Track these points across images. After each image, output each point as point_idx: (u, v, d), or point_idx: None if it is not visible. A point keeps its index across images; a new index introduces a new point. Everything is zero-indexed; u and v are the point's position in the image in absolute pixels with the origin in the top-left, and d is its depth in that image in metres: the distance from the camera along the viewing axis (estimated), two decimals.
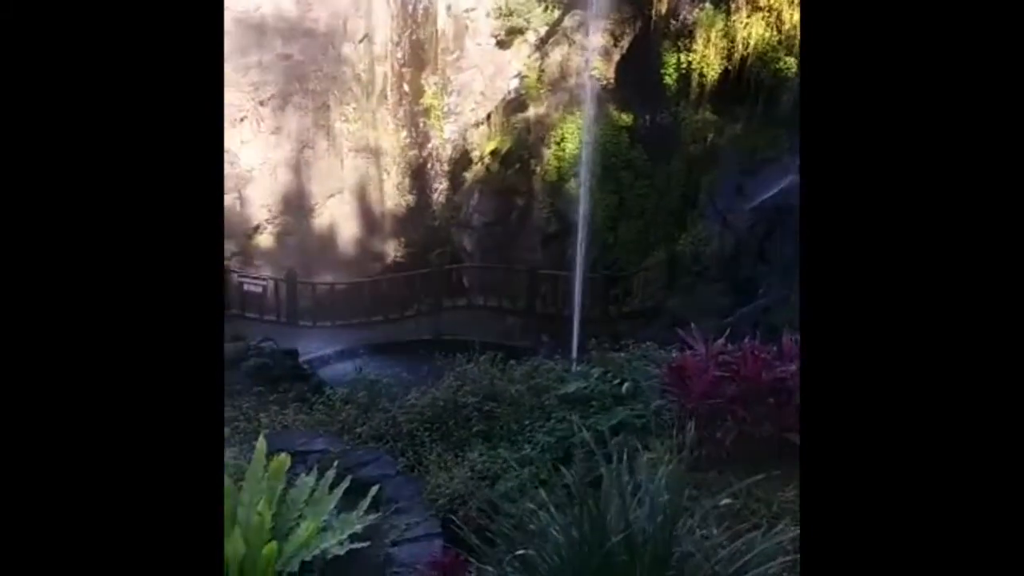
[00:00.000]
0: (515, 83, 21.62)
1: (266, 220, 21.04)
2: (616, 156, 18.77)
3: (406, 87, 22.68)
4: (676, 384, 6.56)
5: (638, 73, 18.74)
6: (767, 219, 14.61)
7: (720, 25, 16.92)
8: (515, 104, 21.17)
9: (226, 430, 7.65)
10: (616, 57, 19.27)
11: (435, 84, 22.49)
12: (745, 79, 16.64)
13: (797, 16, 15.82)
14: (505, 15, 21.66)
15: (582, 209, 17.18)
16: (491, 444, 7.33)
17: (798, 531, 2.89)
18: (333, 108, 21.57)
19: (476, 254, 21.06)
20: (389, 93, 22.61)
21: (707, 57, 17.14)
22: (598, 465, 4.20)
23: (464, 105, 22.51)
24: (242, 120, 20.34)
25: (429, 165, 23.08)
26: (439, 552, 5.19)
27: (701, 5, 17.41)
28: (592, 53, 18.85)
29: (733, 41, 16.80)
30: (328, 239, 22.04)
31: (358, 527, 5.52)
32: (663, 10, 18.27)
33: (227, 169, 20.24)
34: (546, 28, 21.30)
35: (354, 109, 21.92)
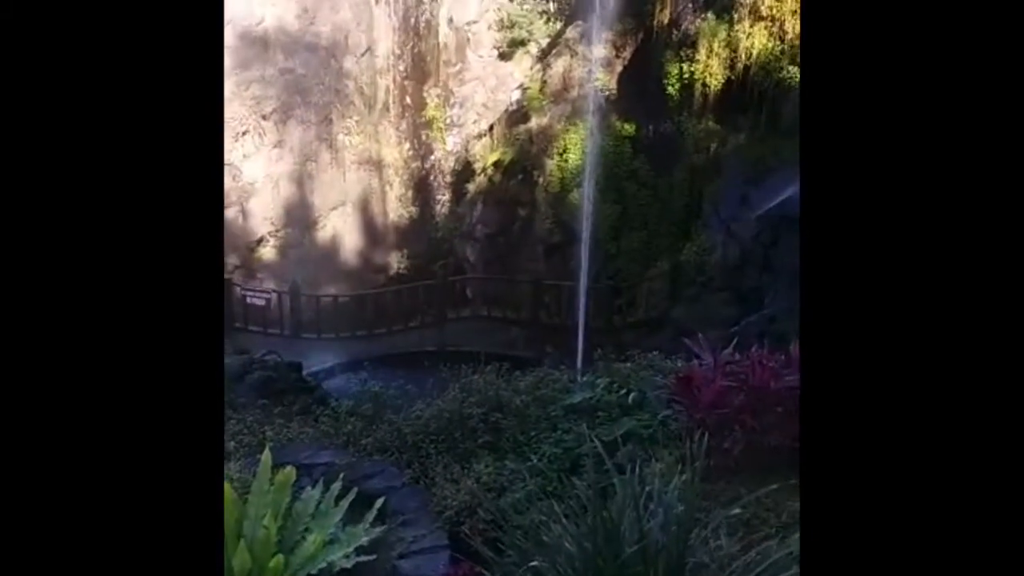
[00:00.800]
0: (517, 95, 21.69)
1: (269, 233, 21.07)
2: (619, 166, 18.79)
3: (408, 100, 22.76)
4: (683, 394, 6.51)
5: (640, 83, 18.78)
6: (772, 228, 14.58)
7: (722, 35, 16.96)
8: (517, 115, 21.23)
9: (231, 444, 7.61)
10: (618, 68, 19.33)
11: (437, 96, 22.57)
12: (748, 89, 16.65)
13: (799, 25, 15.85)
14: (507, 27, 21.75)
15: (585, 219, 17.18)
16: (497, 455, 7.28)
17: None
18: (335, 121, 21.63)
19: (479, 265, 21.06)
20: (391, 106, 22.68)
21: (710, 67, 17.17)
22: (607, 476, 4.16)
23: (466, 117, 22.58)
24: (244, 134, 20.40)
25: (432, 177, 23.12)
26: (448, 563, 5.14)
27: (703, 16, 17.46)
28: (594, 64, 18.90)
29: (736, 51, 16.83)
30: (331, 251, 22.06)
31: (364, 540, 5.47)
32: (665, 21, 18.34)
33: (230, 183, 20.30)
34: (548, 40, 21.39)
35: (356, 122, 21.99)
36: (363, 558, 5.34)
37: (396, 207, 22.97)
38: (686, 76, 17.62)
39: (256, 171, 20.67)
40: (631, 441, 6.63)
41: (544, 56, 21.24)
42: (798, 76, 15.86)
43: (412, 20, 22.17)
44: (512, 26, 21.57)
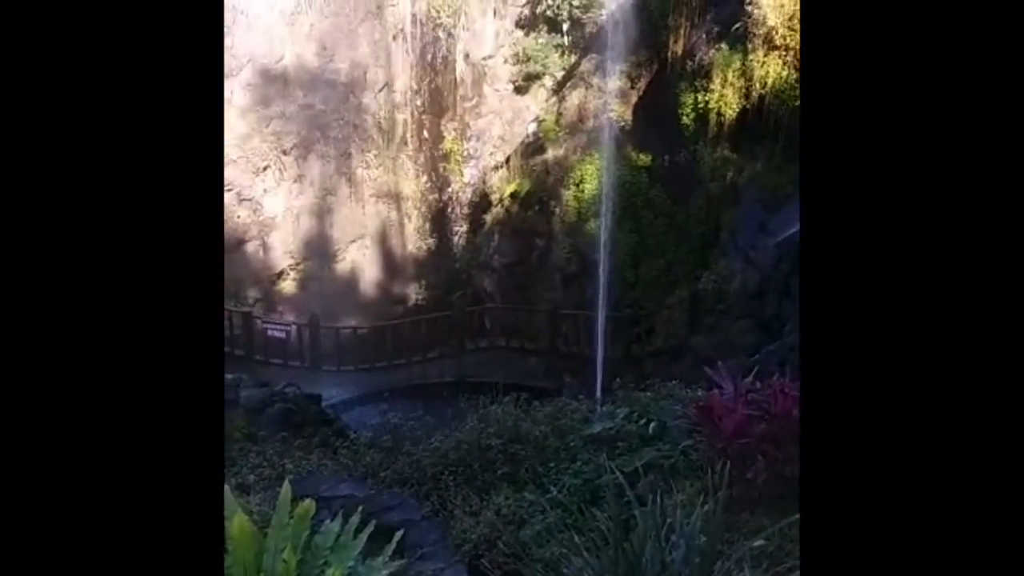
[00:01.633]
0: (533, 127, 21.91)
1: (289, 266, 21.29)
2: (636, 195, 18.85)
3: (426, 133, 23.06)
4: (704, 423, 6.44)
5: (656, 114, 18.91)
6: (791, 255, 14.49)
7: (737, 65, 17.08)
8: (534, 147, 21.42)
9: (251, 476, 7.62)
10: (633, 99, 19.49)
11: (454, 130, 22.85)
12: (764, 117, 16.70)
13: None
14: (522, 61, 22.06)
15: (603, 248, 17.19)
16: (516, 487, 7.22)
17: None
18: (355, 155, 21.95)
19: (497, 295, 21.10)
20: (409, 139, 22.99)
21: (725, 96, 17.27)
22: (628, 507, 4.11)
23: (483, 149, 22.82)
24: (265, 169, 20.74)
25: (449, 209, 23.32)
26: None
27: (717, 46, 17.61)
28: (610, 95, 19.07)
29: (750, 80, 16.92)
30: (351, 283, 22.22)
31: (384, 574, 5.41)
32: (679, 51, 18.51)
33: (250, 217, 20.60)
34: (563, 72, 21.65)
35: (375, 156, 22.30)
36: None
37: (414, 239, 23.16)
38: (701, 106, 17.73)
39: (277, 205, 20.97)
40: (652, 472, 6.55)
41: (559, 89, 21.48)
42: None
43: (429, 56, 22.56)
44: (528, 60, 21.87)
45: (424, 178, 23.19)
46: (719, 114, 17.48)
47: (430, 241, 23.21)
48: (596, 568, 3.69)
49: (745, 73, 17.02)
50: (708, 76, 17.54)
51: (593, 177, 19.26)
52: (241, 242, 20.42)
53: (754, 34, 16.77)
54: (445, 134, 22.90)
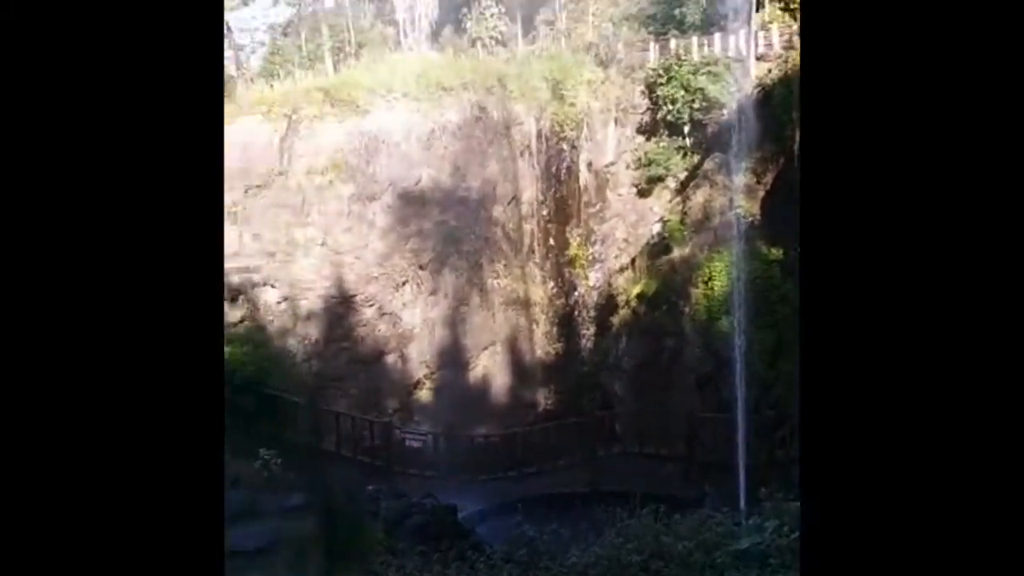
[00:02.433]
0: (658, 227, 22.04)
1: (425, 375, 22.00)
2: (769, 291, 18.26)
3: (552, 240, 23.72)
4: None
5: (785, 206, 18.52)
6: None
7: None
8: (659, 247, 21.45)
9: None
10: (761, 193, 19.26)
11: (579, 235, 23.37)
12: None
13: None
14: (644, 165, 22.50)
15: (737, 347, 16.61)
16: None
17: None
18: (485, 266, 22.82)
19: (628, 398, 20.70)
20: (536, 248, 23.69)
21: None
22: None
23: (608, 252, 23.11)
24: (404, 284, 21.91)
25: (576, 312, 23.53)
26: None
27: None
28: (736, 192, 18.96)
29: None
30: (483, 391, 22.60)
31: None
32: None
33: (390, 330, 21.64)
34: (686, 173, 21.83)
35: (504, 265, 23.08)
36: None
37: (543, 344, 23.41)
38: None
39: (414, 318, 21.97)
40: None
41: (683, 189, 21.62)
42: None
43: (554, 168, 23.49)
44: (649, 164, 22.28)
45: (551, 284, 23.66)
46: None
47: (558, 345, 23.38)
48: None
49: None
50: None
51: (722, 274, 18.92)
52: (381, 354, 21.41)
53: None
54: (570, 240, 23.45)
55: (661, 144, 22.41)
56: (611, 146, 23.29)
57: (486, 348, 22.76)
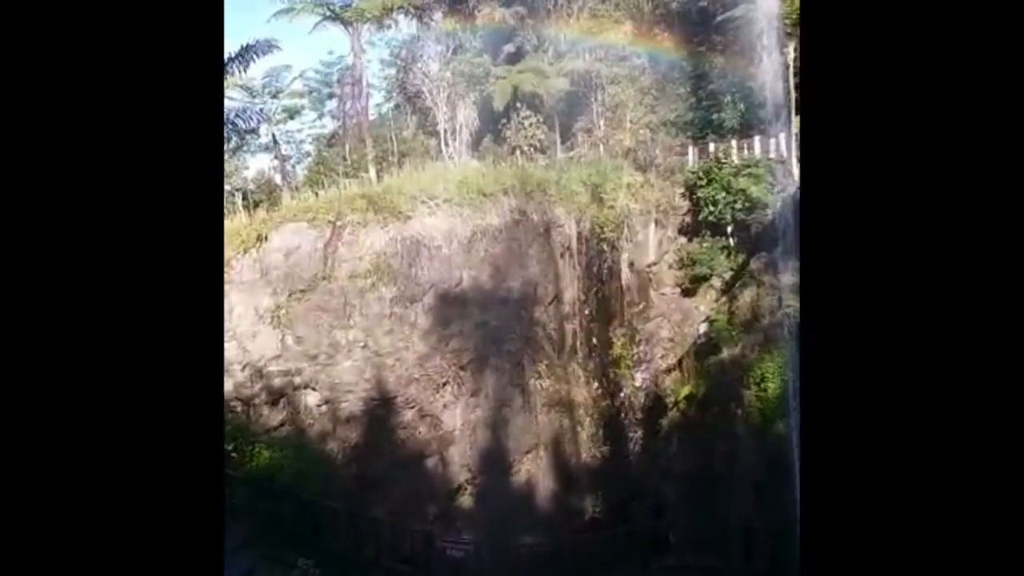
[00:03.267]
0: (704, 327, 21.66)
1: (466, 480, 21.33)
2: None
3: (595, 340, 23.42)
4: None
5: None
6: None
7: None
8: (707, 347, 21.00)
9: None
10: None
11: (623, 335, 23.07)
12: None
13: None
14: (687, 265, 22.42)
15: (796, 451, 15.83)
16: None
17: None
18: (527, 367, 22.51)
19: (681, 505, 19.71)
20: (579, 348, 23.39)
21: None
22: None
23: (653, 352, 22.70)
24: (444, 385, 21.64)
25: (623, 414, 22.89)
26: None
27: None
28: (784, 291, 18.64)
29: None
30: (526, 496, 21.77)
31: None
32: None
33: (430, 432, 21.20)
34: (731, 272, 21.65)
35: (547, 366, 22.74)
36: None
37: (588, 447, 22.69)
38: None
39: (454, 420, 21.54)
40: None
41: (729, 288, 21.38)
42: None
43: (595, 268, 23.52)
44: (693, 264, 22.20)
45: (595, 384, 23.18)
46: None
47: (604, 449, 22.64)
48: None
49: None
50: None
51: (775, 375, 18.32)
52: (422, 457, 20.90)
53: None
54: (614, 339, 23.14)
55: (704, 244, 22.41)
56: (652, 246, 23.34)
57: (529, 451, 22.10)
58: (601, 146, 28.22)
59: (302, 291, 20.77)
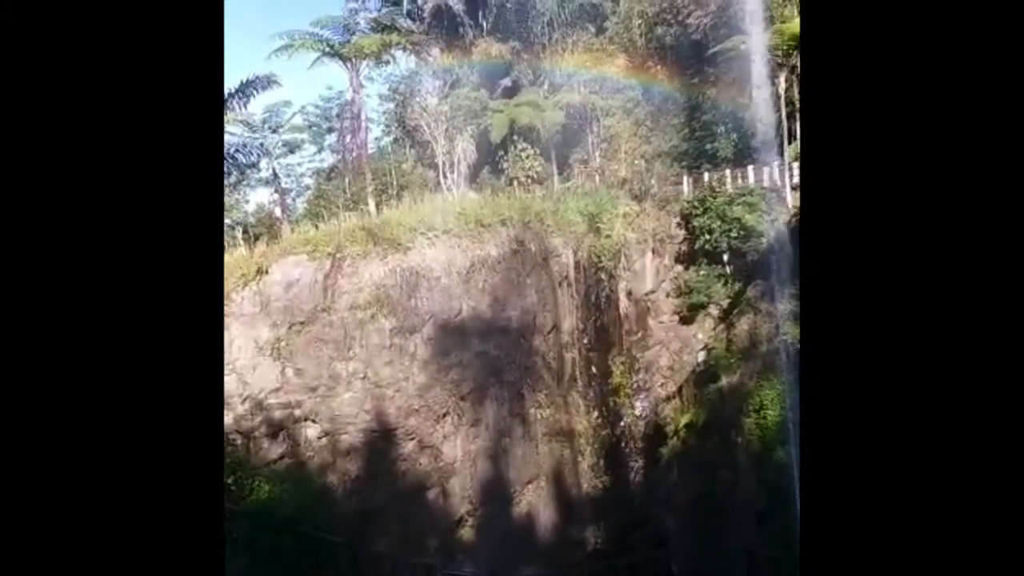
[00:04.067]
0: (703, 355, 21.73)
1: (467, 512, 21.21)
2: None
3: (594, 369, 23.46)
4: None
5: None
6: None
7: None
8: (706, 375, 21.05)
9: None
10: None
11: (622, 363, 23.12)
12: None
13: None
14: (685, 293, 22.56)
15: (797, 479, 15.80)
16: None
17: None
18: (527, 396, 22.51)
19: (682, 535, 19.61)
20: (578, 376, 23.42)
21: None
22: None
23: (653, 381, 22.73)
24: (445, 415, 21.62)
25: (623, 443, 22.84)
26: None
27: None
28: (781, 318, 18.76)
29: None
30: (527, 528, 21.63)
31: None
32: None
33: (431, 464, 21.12)
34: (728, 300, 21.79)
35: (546, 395, 22.75)
36: None
37: (589, 477, 22.60)
38: None
39: (455, 450, 21.49)
40: None
41: (726, 316, 21.50)
42: None
43: (593, 297, 23.65)
44: (690, 292, 22.34)
45: (595, 414, 23.17)
46: None
47: (605, 478, 22.55)
48: None
49: None
50: None
51: (775, 403, 18.36)
52: (423, 489, 20.80)
53: None
54: (613, 368, 23.18)
55: (701, 272, 22.58)
56: (650, 275, 23.52)
57: (530, 482, 22.01)
58: (597, 177, 28.55)
59: (302, 323, 20.84)
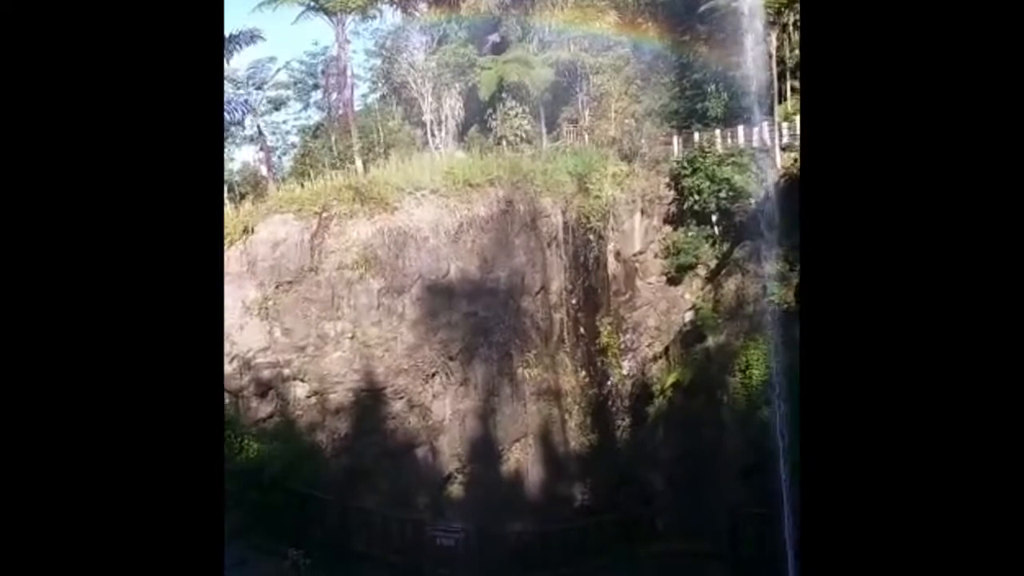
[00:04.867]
0: (690, 315, 21.86)
1: (456, 470, 21.46)
2: None
3: (582, 329, 23.57)
4: None
5: None
6: None
7: None
8: (693, 335, 21.21)
9: None
10: (795, 280, 19.09)
11: (609, 324, 23.23)
12: None
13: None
14: (673, 254, 22.58)
15: (780, 437, 16.05)
16: None
17: None
18: (515, 356, 22.63)
19: (667, 492, 19.97)
20: (566, 337, 23.53)
21: None
22: None
23: (640, 341, 22.88)
24: (433, 375, 21.73)
25: (610, 402, 23.08)
26: None
27: None
28: (768, 279, 18.85)
29: None
30: (515, 485, 21.94)
31: None
32: None
33: (420, 422, 21.30)
34: (716, 261, 21.84)
35: (535, 355, 22.87)
36: None
37: (576, 435, 22.87)
38: None
39: (444, 409, 21.65)
40: None
41: (713, 276, 21.58)
42: None
43: (581, 258, 23.64)
44: (678, 252, 22.36)
45: (583, 373, 23.34)
46: None
47: (592, 437, 22.83)
48: None
49: None
50: None
51: (760, 362, 18.56)
52: (412, 447, 21.00)
53: None
54: (601, 328, 23.29)
55: (689, 233, 22.58)
56: (638, 236, 23.49)
57: (518, 440, 22.26)
58: (586, 136, 28.28)
59: (289, 283, 20.75)
